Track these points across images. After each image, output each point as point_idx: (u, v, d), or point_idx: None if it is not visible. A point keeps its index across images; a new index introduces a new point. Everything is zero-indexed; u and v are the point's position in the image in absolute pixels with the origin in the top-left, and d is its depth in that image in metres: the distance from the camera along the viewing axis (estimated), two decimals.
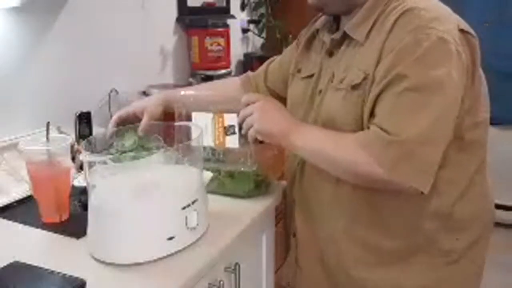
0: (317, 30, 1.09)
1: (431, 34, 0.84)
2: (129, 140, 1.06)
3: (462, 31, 0.89)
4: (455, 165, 0.85)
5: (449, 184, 0.93)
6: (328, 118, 0.97)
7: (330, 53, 1.02)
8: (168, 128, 1.08)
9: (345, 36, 0.97)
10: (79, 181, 1.15)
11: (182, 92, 1.23)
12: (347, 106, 0.93)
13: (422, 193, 0.85)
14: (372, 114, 0.89)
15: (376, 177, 0.85)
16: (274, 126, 0.96)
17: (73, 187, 1.09)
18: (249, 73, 1.30)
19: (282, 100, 1.16)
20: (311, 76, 1.07)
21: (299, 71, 1.12)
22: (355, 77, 0.91)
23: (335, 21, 1.05)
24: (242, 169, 1.09)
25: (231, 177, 1.12)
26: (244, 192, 1.12)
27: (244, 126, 0.98)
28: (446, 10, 0.92)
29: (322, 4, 0.98)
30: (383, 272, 0.98)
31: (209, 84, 1.34)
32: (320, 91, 1.01)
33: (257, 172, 1.11)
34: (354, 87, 0.91)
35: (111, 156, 0.91)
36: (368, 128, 0.89)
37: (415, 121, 0.83)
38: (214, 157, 1.10)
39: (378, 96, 0.87)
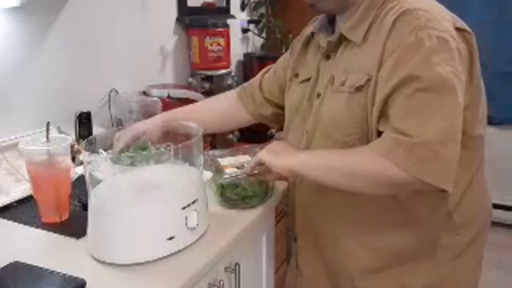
0: (312, 34, 1.08)
1: (432, 34, 0.84)
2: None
3: (458, 29, 0.89)
4: (459, 164, 0.86)
5: (454, 183, 0.92)
6: (329, 121, 0.97)
7: (327, 56, 1.02)
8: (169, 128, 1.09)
9: (342, 38, 0.97)
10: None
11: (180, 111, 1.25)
12: (351, 108, 0.92)
13: (443, 191, 0.84)
14: (381, 116, 0.88)
15: (400, 181, 0.83)
16: (281, 150, 1.00)
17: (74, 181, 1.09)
18: (244, 84, 1.29)
19: (281, 108, 1.17)
20: (308, 79, 1.06)
21: (296, 75, 1.11)
22: (357, 79, 0.91)
23: (331, 23, 1.05)
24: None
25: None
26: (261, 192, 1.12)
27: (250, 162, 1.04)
28: (441, 8, 0.92)
29: (316, 1, 0.97)
30: (388, 273, 0.98)
31: (205, 101, 1.34)
32: (319, 95, 1.01)
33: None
34: (358, 89, 0.91)
35: (111, 156, 0.92)
36: (378, 131, 0.89)
37: (433, 121, 0.82)
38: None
39: (388, 98, 0.86)
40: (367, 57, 0.91)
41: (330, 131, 0.97)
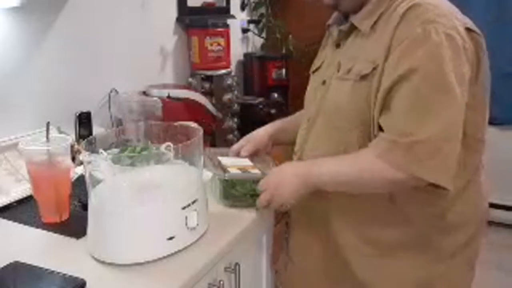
0: (328, 26, 1.11)
1: (439, 30, 0.85)
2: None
3: (468, 29, 0.90)
4: (457, 163, 0.86)
5: None
6: (333, 109, 0.98)
7: (338, 45, 1.04)
8: (168, 128, 1.09)
9: (353, 28, 0.99)
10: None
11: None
12: (354, 95, 0.93)
13: (444, 189, 0.85)
14: (383, 106, 0.89)
15: (398, 180, 0.86)
16: (294, 187, 0.98)
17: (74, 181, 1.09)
18: None
19: None
20: (318, 68, 1.10)
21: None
22: (363, 68, 0.92)
23: (345, 16, 1.07)
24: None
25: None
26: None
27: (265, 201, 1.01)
28: (452, 7, 0.93)
29: (337, 1, 1.00)
30: (380, 265, 0.99)
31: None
32: (324, 82, 1.03)
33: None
34: (363, 77, 0.92)
35: (111, 156, 0.92)
36: (379, 127, 0.90)
37: (435, 117, 0.83)
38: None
39: (392, 88, 0.87)
40: (374, 46, 0.92)
41: (332, 119, 0.98)
